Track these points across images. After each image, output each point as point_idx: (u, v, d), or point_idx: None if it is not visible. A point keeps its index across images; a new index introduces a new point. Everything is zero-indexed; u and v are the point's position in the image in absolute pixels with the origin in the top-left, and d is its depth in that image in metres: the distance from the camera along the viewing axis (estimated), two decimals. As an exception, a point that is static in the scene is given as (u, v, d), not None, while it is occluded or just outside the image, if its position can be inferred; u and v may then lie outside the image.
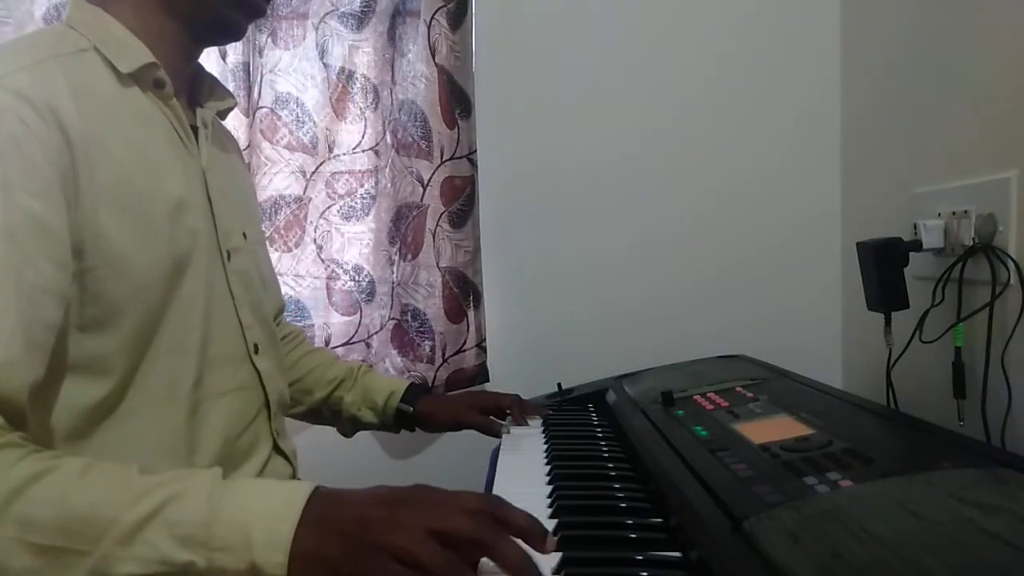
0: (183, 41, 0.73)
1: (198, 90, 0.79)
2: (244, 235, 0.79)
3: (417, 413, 1.01)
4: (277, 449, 0.81)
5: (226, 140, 0.87)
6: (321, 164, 1.28)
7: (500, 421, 1.00)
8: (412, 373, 1.25)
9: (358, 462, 1.25)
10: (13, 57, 0.61)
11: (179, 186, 0.68)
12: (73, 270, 0.58)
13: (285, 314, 1.12)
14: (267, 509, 0.48)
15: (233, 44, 1.24)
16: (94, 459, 0.51)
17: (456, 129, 1.23)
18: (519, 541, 0.49)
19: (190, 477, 0.51)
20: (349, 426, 1.05)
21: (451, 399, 1.06)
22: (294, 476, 0.82)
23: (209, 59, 1.13)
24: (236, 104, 0.87)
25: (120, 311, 0.61)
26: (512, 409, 1.00)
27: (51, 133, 0.57)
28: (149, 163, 0.66)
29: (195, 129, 0.75)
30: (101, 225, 0.60)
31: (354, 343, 1.29)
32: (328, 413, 1.03)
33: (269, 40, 1.26)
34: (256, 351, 0.77)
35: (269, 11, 1.08)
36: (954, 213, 0.90)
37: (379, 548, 0.46)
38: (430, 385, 1.24)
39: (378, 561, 0.46)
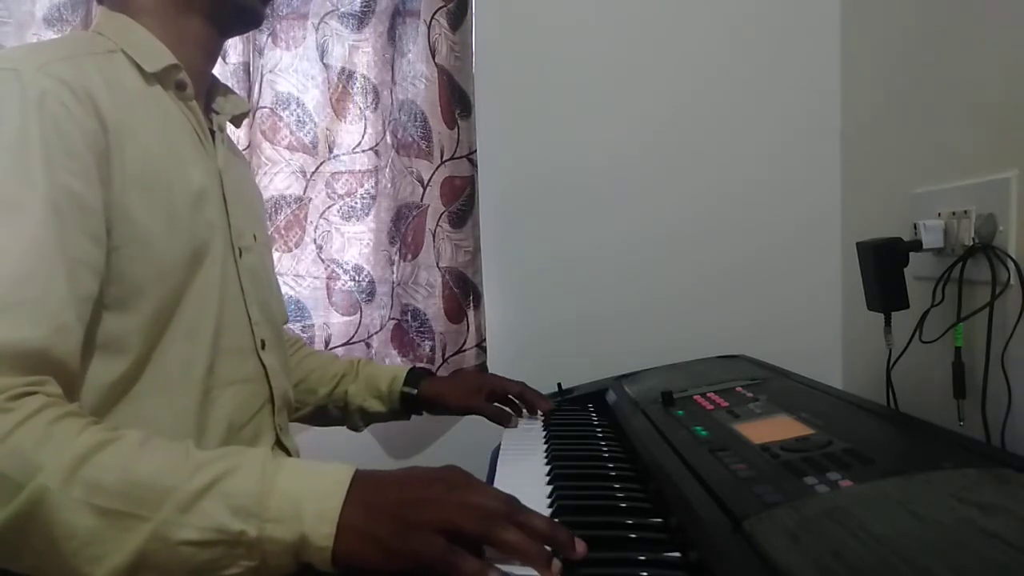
0: (206, 38, 0.77)
1: (213, 97, 0.83)
2: (254, 237, 0.82)
3: (422, 395, 1.01)
4: (280, 444, 0.82)
5: (235, 148, 0.90)
6: (321, 164, 1.28)
7: (510, 412, 0.99)
8: (412, 373, 1.25)
9: (358, 462, 1.25)
10: (51, 50, 0.65)
11: (200, 180, 0.72)
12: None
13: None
14: (316, 486, 0.52)
15: (233, 44, 1.24)
16: (149, 433, 0.54)
17: (456, 129, 1.23)
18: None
19: (243, 454, 0.54)
20: (357, 418, 1.04)
21: (458, 381, 1.06)
22: None
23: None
24: (250, 110, 0.89)
25: (140, 292, 0.64)
26: (522, 399, 1.01)
27: (88, 117, 0.61)
28: (173, 155, 0.70)
29: (212, 133, 0.79)
30: (128, 207, 0.63)
31: (354, 343, 1.29)
32: (335, 410, 1.04)
33: (269, 40, 1.26)
34: (263, 347, 0.79)
35: (269, 11, 1.09)
36: (954, 213, 0.90)
37: (422, 524, 0.50)
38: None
39: (423, 537, 0.50)
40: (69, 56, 0.63)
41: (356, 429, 1.06)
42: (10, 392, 0.49)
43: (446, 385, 1.04)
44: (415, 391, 1.01)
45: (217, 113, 0.82)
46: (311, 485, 0.52)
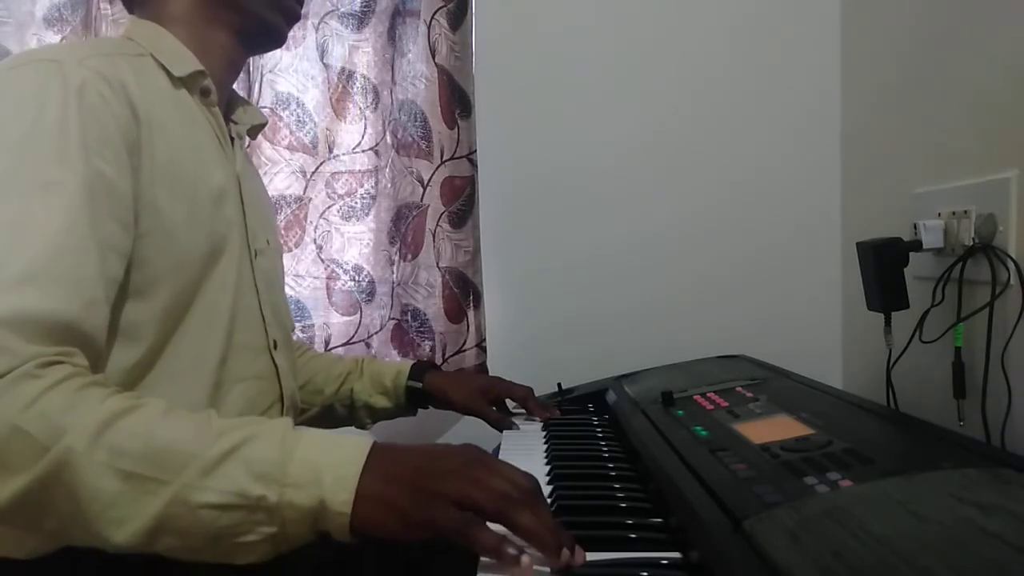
0: (231, 51, 0.80)
1: (232, 109, 0.85)
2: (267, 241, 0.84)
3: (427, 389, 1.02)
4: None
5: (250, 160, 0.93)
6: (321, 164, 1.28)
7: (511, 419, 1.00)
8: (412, 373, 1.25)
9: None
10: (88, 48, 0.68)
11: (220, 179, 0.74)
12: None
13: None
14: (336, 453, 0.53)
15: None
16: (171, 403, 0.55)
17: (456, 129, 1.23)
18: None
19: (264, 423, 0.55)
20: (365, 415, 1.05)
21: (464, 380, 1.06)
22: None
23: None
24: (266, 122, 0.93)
25: (159, 281, 0.65)
26: (527, 402, 1.02)
27: (122, 108, 0.64)
28: (197, 153, 0.72)
29: (231, 140, 0.81)
30: (156, 197, 0.65)
31: (354, 343, 1.29)
32: (341, 409, 1.04)
33: (269, 40, 1.26)
34: (275, 347, 0.81)
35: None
36: (954, 213, 0.90)
37: (440, 494, 0.51)
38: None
39: (440, 506, 0.51)
40: (105, 53, 0.66)
41: (363, 427, 1.07)
42: (40, 360, 0.51)
43: (452, 381, 1.04)
44: (420, 384, 1.02)
45: (236, 123, 0.85)
46: (331, 453, 0.52)
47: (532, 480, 0.54)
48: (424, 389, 1.02)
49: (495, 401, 1.03)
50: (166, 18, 0.76)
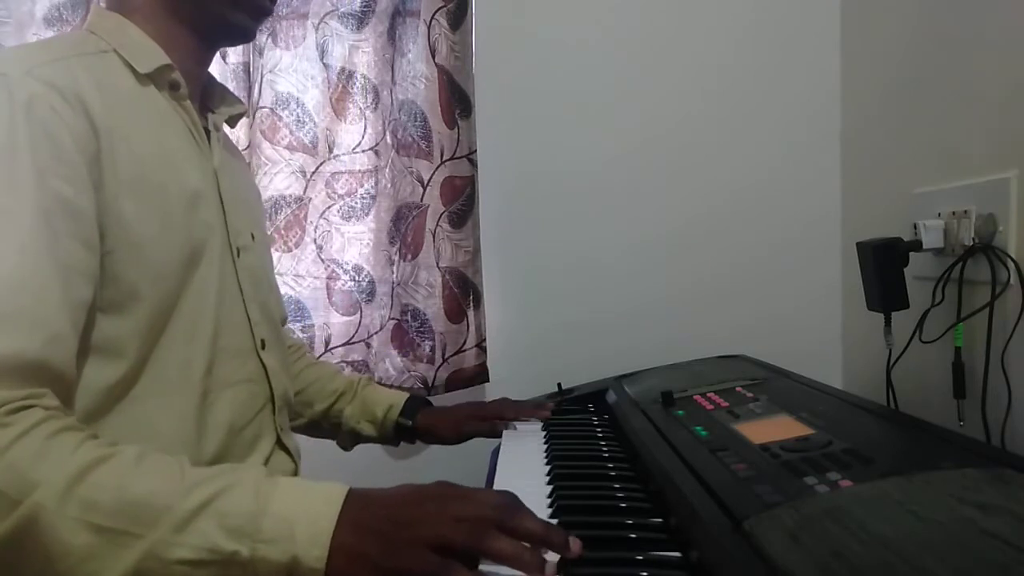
0: (194, 45, 0.76)
1: (209, 97, 0.82)
2: (252, 236, 0.81)
3: (417, 426, 1.01)
4: (280, 444, 0.82)
5: (232, 147, 0.89)
6: (321, 164, 1.28)
7: (502, 423, 0.99)
8: (412, 373, 1.25)
9: (359, 463, 1.24)
10: (39, 53, 0.64)
11: (195, 180, 0.71)
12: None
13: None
14: (309, 507, 0.51)
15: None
16: (145, 448, 0.54)
17: (456, 129, 1.23)
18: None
19: (238, 472, 0.53)
20: (348, 439, 1.04)
21: (452, 412, 1.04)
22: (296, 473, 0.83)
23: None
24: (246, 110, 0.90)
25: (136, 296, 0.63)
26: (521, 414, 1.00)
27: (79, 121, 0.60)
28: (167, 157, 0.69)
29: (207, 132, 0.77)
30: (121, 211, 0.62)
31: (354, 343, 1.29)
32: (328, 426, 1.03)
33: (269, 40, 1.26)
34: (263, 347, 0.79)
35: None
36: (954, 213, 0.90)
37: (413, 542, 0.50)
38: (430, 385, 1.24)
39: (414, 554, 0.49)
40: (58, 58, 0.62)
41: (344, 448, 1.06)
42: (8, 406, 0.49)
43: (440, 416, 1.02)
44: (410, 423, 1.01)
45: (213, 112, 0.81)
46: (304, 506, 0.51)
47: (508, 496, 0.54)
48: (413, 427, 1.01)
49: (485, 420, 1.00)
50: (129, 9, 0.72)
